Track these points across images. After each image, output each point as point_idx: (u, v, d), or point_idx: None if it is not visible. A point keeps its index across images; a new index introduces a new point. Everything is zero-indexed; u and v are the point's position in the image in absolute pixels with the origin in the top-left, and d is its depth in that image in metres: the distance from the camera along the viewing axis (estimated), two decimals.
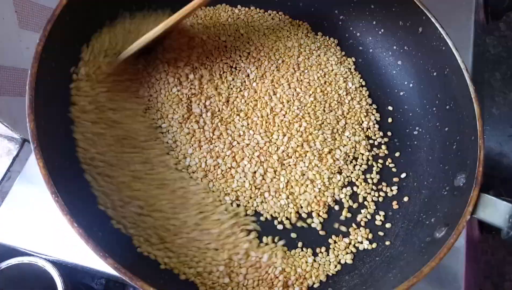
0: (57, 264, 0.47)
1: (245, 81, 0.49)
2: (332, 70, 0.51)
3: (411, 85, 0.49)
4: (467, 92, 0.38)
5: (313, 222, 0.42)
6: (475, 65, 0.57)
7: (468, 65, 0.54)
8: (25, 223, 0.48)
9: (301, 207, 0.43)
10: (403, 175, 0.45)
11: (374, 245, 0.41)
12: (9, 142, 0.51)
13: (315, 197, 0.43)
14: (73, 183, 0.37)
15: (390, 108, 0.49)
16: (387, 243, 0.41)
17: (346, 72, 0.51)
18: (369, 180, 0.45)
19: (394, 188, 0.44)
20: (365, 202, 0.44)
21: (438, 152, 0.43)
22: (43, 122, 0.34)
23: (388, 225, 0.42)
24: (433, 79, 0.45)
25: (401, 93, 0.49)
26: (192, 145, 0.45)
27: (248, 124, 0.46)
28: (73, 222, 0.31)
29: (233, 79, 0.49)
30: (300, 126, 0.46)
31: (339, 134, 0.47)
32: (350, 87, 0.50)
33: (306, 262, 0.40)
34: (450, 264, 0.44)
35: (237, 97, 0.48)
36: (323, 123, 0.47)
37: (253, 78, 0.49)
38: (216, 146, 0.45)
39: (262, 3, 0.54)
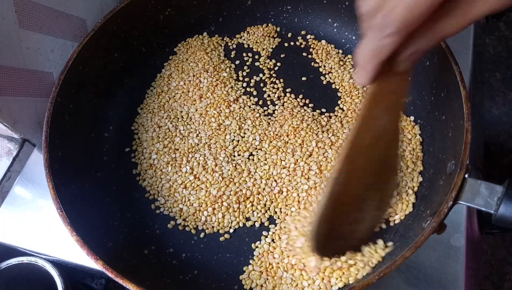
0: (57, 264, 0.46)
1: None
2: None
3: (409, 78, 0.48)
4: (454, 75, 0.38)
5: None
6: (475, 65, 0.57)
7: (468, 65, 0.54)
8: (25, 223, 0.48)
9: None
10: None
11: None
12: (9, 142, 0.51)
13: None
14: (80, 200, 0.42)
15: None
16: (389, 243, 0.40)
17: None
18: None
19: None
20: None
21: (438, 142, 0.43)
22: (59, 152, 0.41)
23: (391, 223, 0.42)
24: (427, 68, 0.45)
25: None
26: None
27: None
28: (73, 231, 0.36)
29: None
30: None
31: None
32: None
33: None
34: (450, 264, 0.44)
35: None
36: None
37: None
38: None
39: (257, 20, 0.57)
